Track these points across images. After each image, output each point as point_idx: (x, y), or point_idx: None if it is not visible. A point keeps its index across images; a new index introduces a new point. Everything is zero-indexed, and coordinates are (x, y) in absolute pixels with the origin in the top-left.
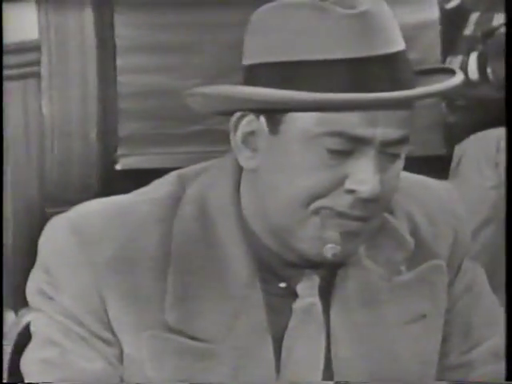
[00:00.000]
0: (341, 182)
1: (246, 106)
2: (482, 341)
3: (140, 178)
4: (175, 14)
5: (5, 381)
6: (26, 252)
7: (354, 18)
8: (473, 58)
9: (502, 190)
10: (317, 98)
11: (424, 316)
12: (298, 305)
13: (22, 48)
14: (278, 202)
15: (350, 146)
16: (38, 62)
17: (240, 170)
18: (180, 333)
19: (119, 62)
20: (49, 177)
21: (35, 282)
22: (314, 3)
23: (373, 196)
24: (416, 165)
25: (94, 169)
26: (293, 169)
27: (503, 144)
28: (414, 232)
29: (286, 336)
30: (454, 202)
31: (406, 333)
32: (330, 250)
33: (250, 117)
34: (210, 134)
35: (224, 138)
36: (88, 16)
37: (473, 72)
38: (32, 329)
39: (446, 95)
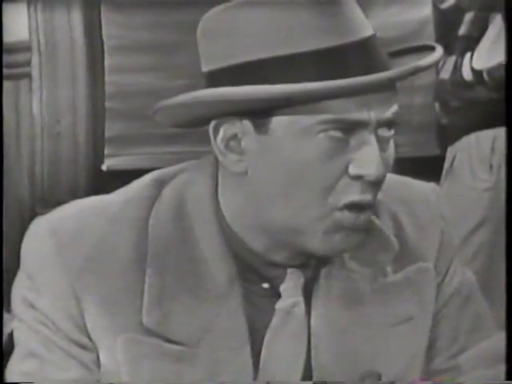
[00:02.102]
0: (345, 169)
1: (230, 108)
2: (470, 345)
3: (127, 178)
4: (162, 13)
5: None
6: (17, 253)
7: (323, 7)
8: (467, 58)
9: (497, 192)
10: (308, 88)
11: (410, 318)
12: (280, 305)
13: (14, 48)
14: (287, 201)
15: (348, 132)
16: (29, 63)
17: (217, 171)
18: (156, 335)
19: (107, 61)
20: (39, 177)
21: (19, 289)
22: None
23: (379, 178)
24: (409, 165)
25: (82, 169)
26: (294, 166)
27: (498, 145)
28: (400, 233)
29: (267, 336)
30: (441, 204)
31: (390, 335)
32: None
33: (231, 120)
34: (196, 134)
35: None
36: (76, 16)
37: (467, 72)
38: (14, 339)
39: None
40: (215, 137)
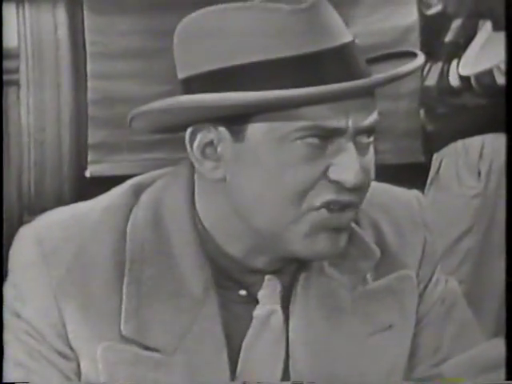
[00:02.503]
0: (324, 172)
1: (205, 115)
2: (453, 354)
3: (111, 184)
4: (145, 20)
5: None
6: (5, 262)
7: (301, 13)
8: (454, 65)
9: (485, 199)
10: (282, 95)
11: (390, 326)
12: (258, 312)
13: (4, 55)
14: (265, 206)
15: (325, 139)
16: (17, 70)
17: (194, 176)
18: (134, 343)
19: (89, 68)
20: (26, 185)
21: (7, 299)
22: (258, 5)
23: (358, 185)
24: (394, 172)
25: (66, 176)
26: (271, 172)
27: (486, 152)
28: (380, 241)
29: (244, 344)
30: (424, 211)
31: (370, 343)
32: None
33: (207, 127)
34: (180, 140)
35: None
36: (62, 23)
37: (454, 79)
38: (4, 349)
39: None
40: (191, 144)
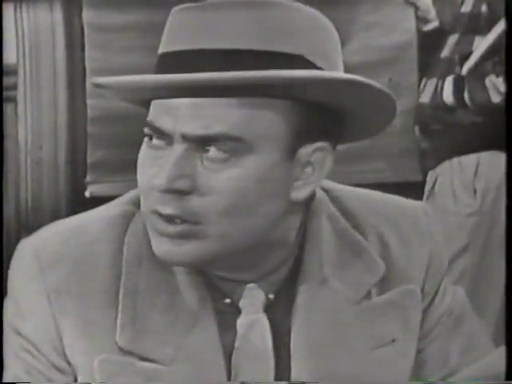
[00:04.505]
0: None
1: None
2: (462, 367)
3: (108, 201)
4: (143, 37)
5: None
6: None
7: (183, 13)
8: (449, 82)
9: (481, 217)
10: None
11: (393, 341)
12: (241, 321)
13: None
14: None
15: (160, 139)
16: (15, 87)
17: None
18: (130, 354)
19: (88, 85)
20: (23, 203)
21: (7, 315)
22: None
23: (161, 189)
24: (391, 191)
25: (63, 194)
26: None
27: (482, 169)
28: (386, 254)
29: (233, 354)
30: (430, 223)
31: (373, 357)
32: None
33: None
34: None
35: None
36: (59, 39)
37: (448, 96)
38: (4, 364)
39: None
40: None
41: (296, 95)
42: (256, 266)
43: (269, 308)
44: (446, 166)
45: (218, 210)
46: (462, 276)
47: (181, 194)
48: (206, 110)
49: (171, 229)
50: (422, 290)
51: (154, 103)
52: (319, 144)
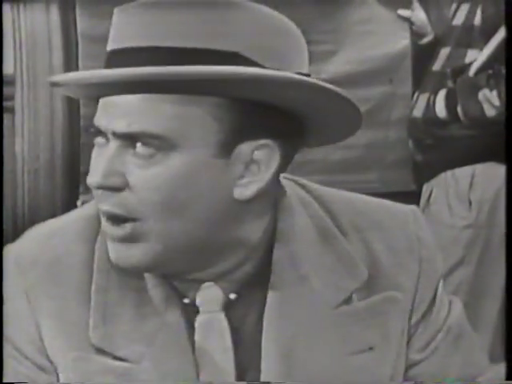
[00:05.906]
0: None
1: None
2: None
3: None
4: None
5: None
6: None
7: (125, 11)
8: (441, 96)
9: (477, 229)
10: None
11: (370, 349)
12: (198, 319)
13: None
14: None
15: (102, 137)
16: (12, 97)
17: None
18: (102, 353)
19: None
20: (20, 213)
21: (3, 326)
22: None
23: (96, 186)
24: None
25: (60, 206)
26: None
27: (477, 181)
28: (371, 259)
29: (196, 352)
30: (420, 228)
31: (348, 363)
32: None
33: None
34: None
35: None
36: (56, 49)
37: (441, 110)
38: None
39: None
40: None
41: (231, 92)
42: (212, 265)
43: (230, 307)
44: (441, 178)
45: (151, 205)
46: (458, 289)
47: (114, 190)
48: (133, 108)
49: (118, 231)
50: (414, 297)
51: (100, 101)
52: (262, 141)
